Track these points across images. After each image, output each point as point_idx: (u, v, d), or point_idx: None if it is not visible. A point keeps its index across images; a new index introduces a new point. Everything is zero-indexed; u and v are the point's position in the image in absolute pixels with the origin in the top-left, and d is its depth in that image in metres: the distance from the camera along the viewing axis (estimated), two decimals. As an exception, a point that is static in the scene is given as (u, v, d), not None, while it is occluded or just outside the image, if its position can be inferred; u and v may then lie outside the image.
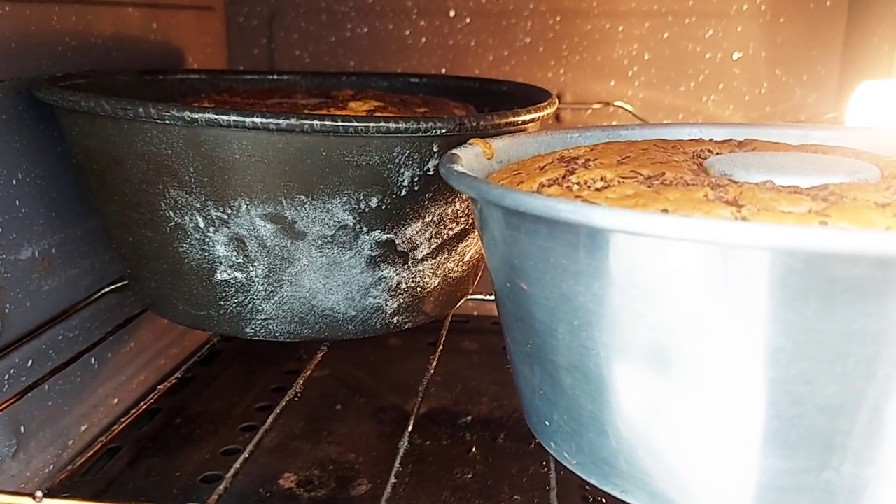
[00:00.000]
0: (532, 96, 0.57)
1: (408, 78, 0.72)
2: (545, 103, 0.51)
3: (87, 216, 0.59)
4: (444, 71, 0.86)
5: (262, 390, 0.73)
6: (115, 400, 0.65)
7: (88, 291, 0.60)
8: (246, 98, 0.59)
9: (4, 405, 0.48)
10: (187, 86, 0.67)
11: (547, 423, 0.37)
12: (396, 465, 0.39)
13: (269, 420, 0.43)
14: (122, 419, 0.47)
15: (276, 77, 0.71)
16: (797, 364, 0.28)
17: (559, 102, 0.88)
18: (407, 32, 0.86)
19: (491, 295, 0.70)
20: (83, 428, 0.61)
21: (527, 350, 0.36)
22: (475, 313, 0.90)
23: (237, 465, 0.40)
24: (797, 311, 0.27)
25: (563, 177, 0.37)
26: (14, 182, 0.52)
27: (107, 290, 0.62)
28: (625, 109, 0.84)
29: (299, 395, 0.47)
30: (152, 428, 0.65)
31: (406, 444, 0.41)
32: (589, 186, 0.35)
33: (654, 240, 0.28)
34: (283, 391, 0.76)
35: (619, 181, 0.35)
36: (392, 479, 0.39)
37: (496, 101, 0.63)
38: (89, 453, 0.44)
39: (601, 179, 0.36)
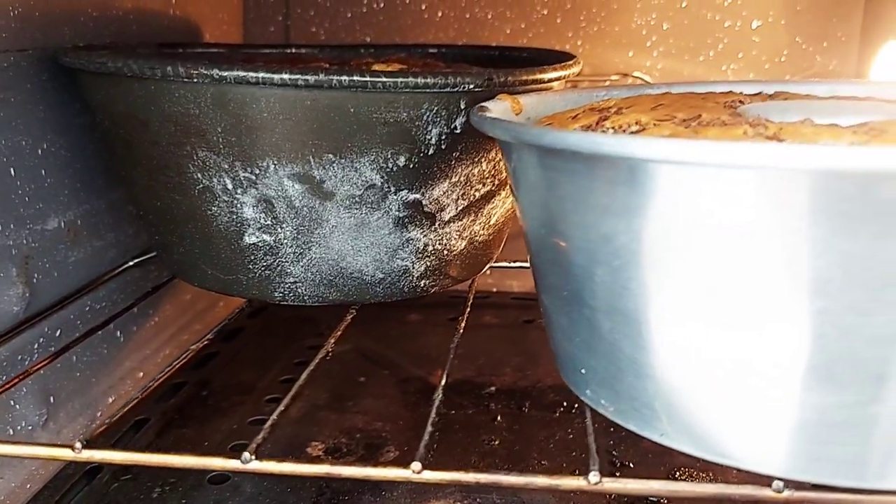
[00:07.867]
0: (554, 60, 0.56)
1: (426, 48, 0.71)
2: (571, 62, 0.51)
3: (110, 188, 0.59)
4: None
5: (285, 364, 0.72)
6: (141, 373, 0.65)
7: (114, 264, 0.61)
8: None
9: (34, 369, 0.48)
10: (206, 59, 0.67)
11: (583, 370, 0.37)
12: (429, 427, 0.38)
13: (304, 375, 0.43)
14: (148, 389, 0.47)
15: (293, 51, 0.71)
16: (848, 294, 0.27)
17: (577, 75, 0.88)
18: (423, 6, 0.85)
19: (514, 262, 0.70)
20: (111, 400, 0.61)
21: (563, 297, 0.36)
22: (495, 289, 0.90)
23: (269, 424, 0.40)
24: (849, 238, 0.26)
25: (597, 123, 0.36)
26: (39, 152, 0.52)
27: (132, 262, 0.62)
28: (643, 81, 0.83)
29: (330, 354, 0.47)
30: (179, 400, 0.65)
31: (440, 398, 0.40)
32: (624, 130, 0.35)
33: (698, 169, 0.28)
34: (306, 365, 0.77)
35: (654, 124, 0.35)
36: (425, 439, 0.38)
37: (517, 68, 0.62)
38: (116, 417, 0.44)
39: (636, 123, 0.35)
